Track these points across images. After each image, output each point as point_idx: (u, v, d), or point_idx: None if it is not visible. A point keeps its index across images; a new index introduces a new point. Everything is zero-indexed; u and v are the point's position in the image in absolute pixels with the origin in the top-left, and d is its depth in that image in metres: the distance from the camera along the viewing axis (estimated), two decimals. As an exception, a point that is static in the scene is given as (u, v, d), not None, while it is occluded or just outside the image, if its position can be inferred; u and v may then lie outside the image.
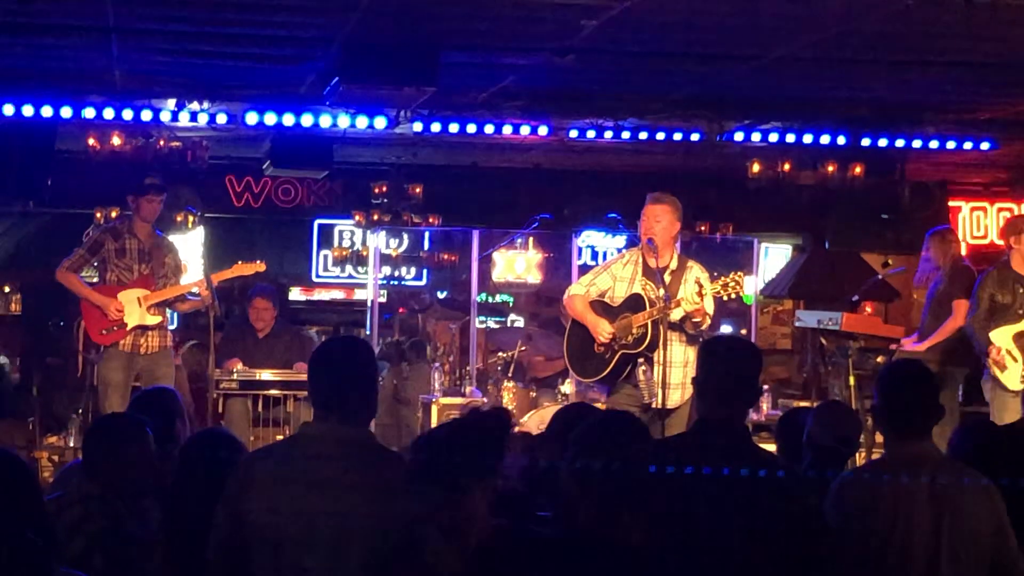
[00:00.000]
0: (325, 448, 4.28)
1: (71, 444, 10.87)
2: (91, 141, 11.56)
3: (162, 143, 11.60)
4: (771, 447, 6.40)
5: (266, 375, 10.64)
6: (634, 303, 8.40)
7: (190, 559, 4.50)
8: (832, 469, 5.68)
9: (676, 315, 8.23)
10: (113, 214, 13.77)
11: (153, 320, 9.78)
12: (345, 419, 4.32)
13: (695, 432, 4.78)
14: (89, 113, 10.88)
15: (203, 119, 11.12)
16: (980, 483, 4.78)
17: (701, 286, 8.23)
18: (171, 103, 11.02)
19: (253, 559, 4.24)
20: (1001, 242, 10.51)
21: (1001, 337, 9.61)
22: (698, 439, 4.69)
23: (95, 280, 10.07)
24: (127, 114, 10.98)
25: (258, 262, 10.48)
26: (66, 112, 10.83)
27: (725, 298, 8.51)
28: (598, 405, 8.63)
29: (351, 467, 4.25)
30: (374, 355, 4.58)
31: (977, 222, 15.61)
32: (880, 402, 5.00)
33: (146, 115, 11.05)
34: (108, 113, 10.92)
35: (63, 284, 9.89)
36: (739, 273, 8.53)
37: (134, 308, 9.70)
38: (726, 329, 13.87)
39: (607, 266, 8.85)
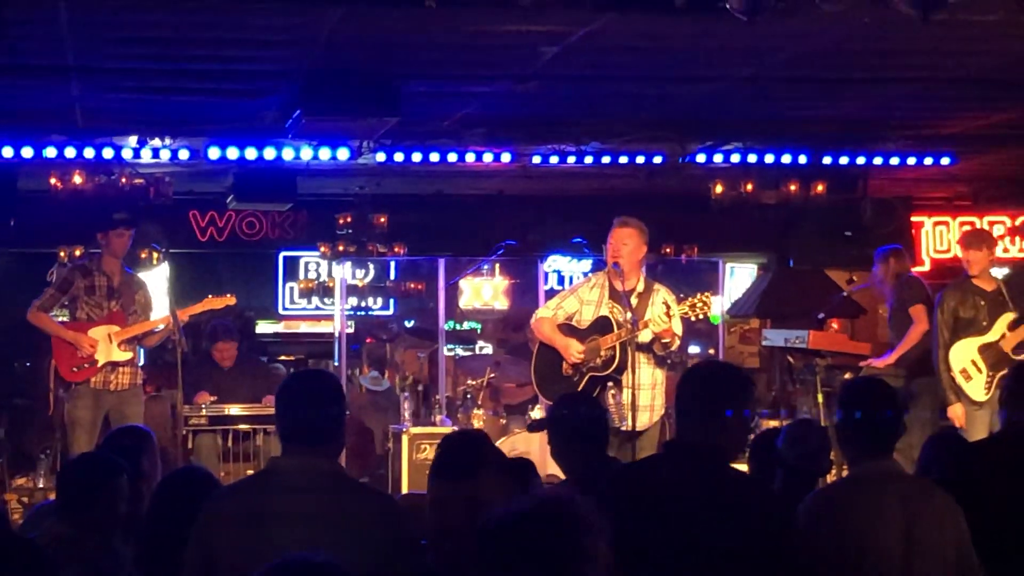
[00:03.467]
0: (295, 481, 4.26)
1: (40, 485, 10.82)
2: (53, 180, 11.50)
3: (124, 180, 11.54)
4: (743, 467, 6.42)
5: (235, 410, 10.60)
6: (602, 325, 8.41)
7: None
8: (804, 487, 5.69)
9: (645, 337, 8.25)
10: (77, 252, 13.68)
11: (123, 356, 9.75)
12: (314, 452, 4.30)
13: (664, 455, 4.78)
14: (51, 152, 10.86)
15: (165, 155, 11.10)
16: (945, 500, 4.80)
17: (668, 307, 8.25)
18: (133, 140, 11.00)
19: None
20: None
21: (964, 350, 9.59)
22: (666, 461, 4.68)
23: (64, 319, 10.03)
24: (89, 152, 10.96)
25: (228, 296, 10.46)
26: (27, 152, 10.80)
27: (693, 318, 8.53)
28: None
29: (322, 500, 4.23)
30: (341, 387, 4.57)
31: (940, 237, 15.69)
32: (841, 421, 5.00)
33: (108, 153, 11.03)
34: (70, 152, 10.90)
35: (35, 324, 9.86)
36: (706, 293, 8.54)
37: (104, 344, 9.69)
38: (694, 350, 13.89)
39: (574, 289, 8.86)
